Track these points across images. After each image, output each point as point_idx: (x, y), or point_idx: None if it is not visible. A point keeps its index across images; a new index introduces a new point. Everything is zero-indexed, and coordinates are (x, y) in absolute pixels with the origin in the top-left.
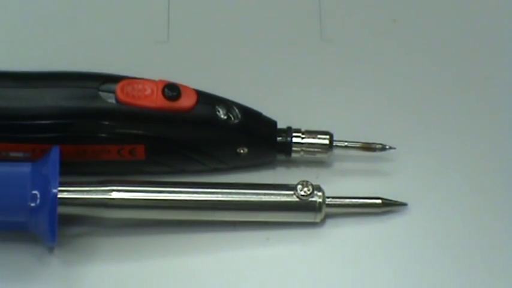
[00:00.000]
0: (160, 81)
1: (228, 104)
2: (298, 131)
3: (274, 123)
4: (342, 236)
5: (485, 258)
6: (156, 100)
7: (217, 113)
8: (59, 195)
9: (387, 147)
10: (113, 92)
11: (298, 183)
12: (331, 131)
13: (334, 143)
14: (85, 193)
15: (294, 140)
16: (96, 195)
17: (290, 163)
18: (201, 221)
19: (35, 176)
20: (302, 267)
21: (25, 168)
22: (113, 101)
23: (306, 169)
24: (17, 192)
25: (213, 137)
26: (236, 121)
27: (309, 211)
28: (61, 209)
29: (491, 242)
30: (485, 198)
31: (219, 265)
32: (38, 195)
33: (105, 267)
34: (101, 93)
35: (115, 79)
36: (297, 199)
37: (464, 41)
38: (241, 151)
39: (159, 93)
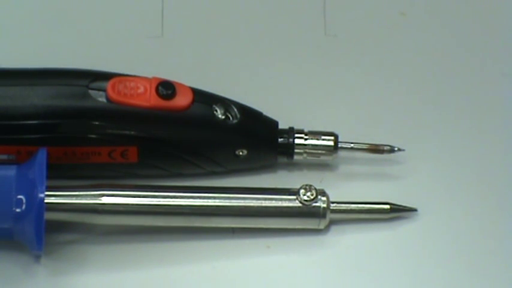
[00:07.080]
0: (154, 78)
1: (226, 103)
2: (300, 131)
3: (276, 123)
4: (348, 244)
5: (500, 268)
6: (149, 99)
7: (215, 112)
8: (46, 200)
9: (396, 148)
10: (104, 90)
11: (300, 188)
12: (336, 131)
13: (339, 145)
14: (74, 198)
15: (297, 141)
16: (86, 200)
17: (292, 166)
18: (198, 227)
19: (21, 180)
20: (305, 277)
21: (10, 172)
22: (104, 99)
23: (309, 172)
24: (1, 197)
25: (210, 138)
26: (235, 121)
27: (313, 217)
28: (48, 215)
29: (507, 249)
30: (500, 203)
31: (216, 275)
32: (24, 200)
33: (96, 277)
34: (90, 91)
35: (106, 76)
36: (300, 204)
37: (479, 34)
38: (240, 153)
39: (153, 91)
